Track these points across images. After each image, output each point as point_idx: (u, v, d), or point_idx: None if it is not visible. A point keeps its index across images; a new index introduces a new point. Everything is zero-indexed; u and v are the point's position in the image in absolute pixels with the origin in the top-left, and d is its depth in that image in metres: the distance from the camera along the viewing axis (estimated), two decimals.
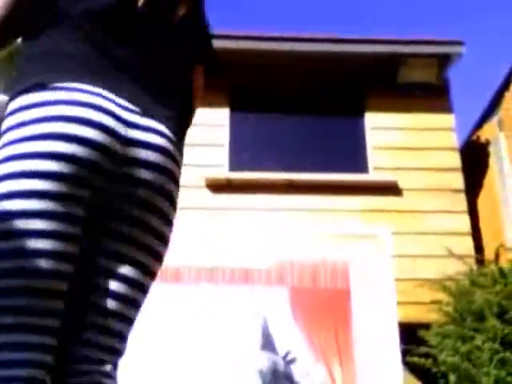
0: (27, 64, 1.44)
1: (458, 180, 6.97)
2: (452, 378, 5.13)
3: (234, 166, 7.02)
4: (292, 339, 5.31)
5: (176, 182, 1.48)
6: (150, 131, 1.41)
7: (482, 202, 7.53)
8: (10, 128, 1.34)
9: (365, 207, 6.76)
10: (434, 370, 5.18)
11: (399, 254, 5.99)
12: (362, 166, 7.11)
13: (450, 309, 5.45)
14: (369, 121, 7.32)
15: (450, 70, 7.38)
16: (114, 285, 1.39)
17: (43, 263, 1.26)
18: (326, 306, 5.39)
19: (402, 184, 6.93)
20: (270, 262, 5.37)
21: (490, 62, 19.15)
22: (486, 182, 7.54)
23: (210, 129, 7.09)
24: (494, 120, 7.60)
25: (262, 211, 6.62)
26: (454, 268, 5.74)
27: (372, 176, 7.03)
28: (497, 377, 4.64)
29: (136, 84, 1.46)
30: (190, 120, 1.71)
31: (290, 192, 6.82)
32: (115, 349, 1.41)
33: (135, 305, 1.44)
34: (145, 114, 1.42)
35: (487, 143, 7.70)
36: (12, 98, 1.39)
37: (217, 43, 7.01)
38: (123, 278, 1.40)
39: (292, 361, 5.30)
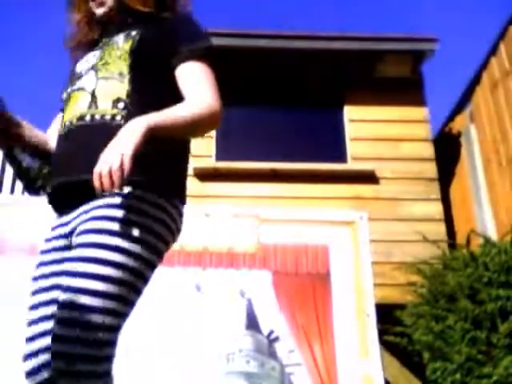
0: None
1: (431, 169, 6.96)
2: (426, 355, 5.14)
3: (221, 156, 6.97)
4: (275, 320, 5.27)
5: None
6: None
7: (454, 190, 7.52)
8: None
9: (344, 194, 6.74)
10: (409, 348, 5.19)
11: (376, 238, 5.98)
12: (341, 156, 7.08)
13: (424, 290, 5.45)
14: (348, 113, 7.29)
15: (424, 65, 7.35)
16: None
17: None
18: (307, 288, 5.35)
19: (378, 173, 6.90)
20: (254, 246, 5.32)
21: (463, 57, 19.23)
22: (458, 170, 7.53)
23: None
24: (466, 112, 7.58)
25: (247, 198, 6.59)
26: (428, 252, 5.76)
27: (351, 165, 7.00)
28: (468, 354, 4.66)
29: None
30: None
31: (274, 180, 6.80)
32: None
33: None
34: None
35: (459, 134, 7.69)
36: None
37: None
38: None
39: (276, 339, 5.27)
